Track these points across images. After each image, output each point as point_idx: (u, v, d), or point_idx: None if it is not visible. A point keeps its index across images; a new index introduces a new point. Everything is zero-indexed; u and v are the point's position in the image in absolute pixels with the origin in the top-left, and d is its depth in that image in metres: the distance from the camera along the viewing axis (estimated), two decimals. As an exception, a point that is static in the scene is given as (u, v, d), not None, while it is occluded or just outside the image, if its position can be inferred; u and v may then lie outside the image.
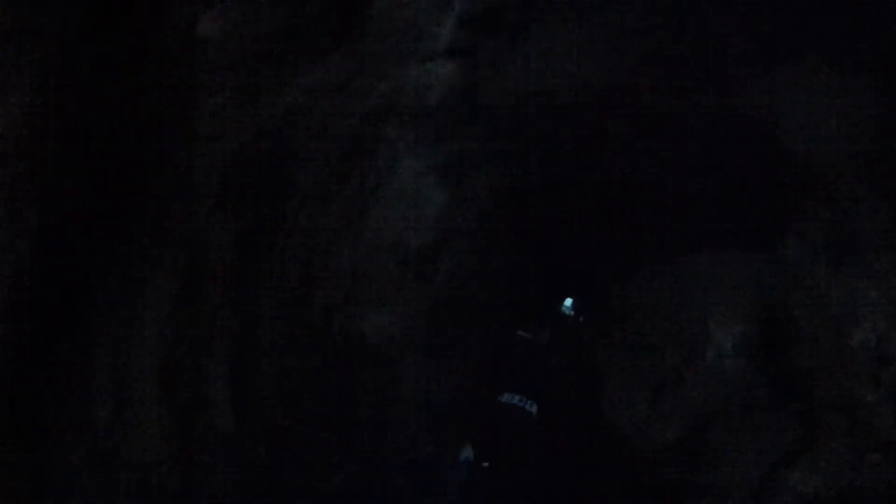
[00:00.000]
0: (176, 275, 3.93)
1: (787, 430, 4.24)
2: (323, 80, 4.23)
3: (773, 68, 4.20)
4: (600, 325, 4.69)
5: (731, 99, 4.35)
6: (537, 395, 4.22)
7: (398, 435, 4.74)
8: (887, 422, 3.75)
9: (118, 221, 3.58)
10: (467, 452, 4.22)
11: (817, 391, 4.12)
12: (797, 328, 4.18)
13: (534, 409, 4.19)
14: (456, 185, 4.78)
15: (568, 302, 4.41)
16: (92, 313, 3.52)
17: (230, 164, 4.11)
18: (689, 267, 4.64)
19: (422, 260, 4.82)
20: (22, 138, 2.91)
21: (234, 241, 4.25)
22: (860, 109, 4.06)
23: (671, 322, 4.57)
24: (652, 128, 4.60)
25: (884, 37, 3.91)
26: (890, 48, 3.90)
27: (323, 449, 4.46)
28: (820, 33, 4.06)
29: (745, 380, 4.36)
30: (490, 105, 4.66)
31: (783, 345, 4.27)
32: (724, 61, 4.23)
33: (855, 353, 3.92)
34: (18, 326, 2.94)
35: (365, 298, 4.68)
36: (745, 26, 4.10)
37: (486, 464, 4.16)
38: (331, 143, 4.44)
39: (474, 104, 4.62)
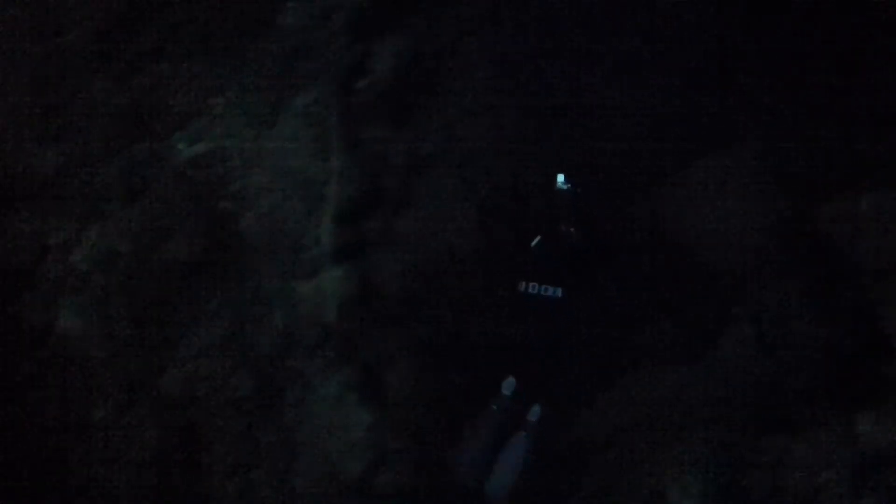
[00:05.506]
0: None
1: None
2: (208, 338, 4.36)
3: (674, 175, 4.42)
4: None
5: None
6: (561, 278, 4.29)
7: None
8: None
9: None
10: (509, 383, 4.23)
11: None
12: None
13: (558, 293, 4.25)
14: (378, 398, 4.35)
15: (561, 177, 4.39)
16: None
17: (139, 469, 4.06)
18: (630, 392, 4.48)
19: (363, 487, 4.61)
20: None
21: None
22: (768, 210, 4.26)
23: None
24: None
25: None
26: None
27: None
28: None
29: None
30: (383, 293, 4.43)
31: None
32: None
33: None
34: None
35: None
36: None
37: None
38: (237, 403, 4.27)
39: (369, 300, 4.43)
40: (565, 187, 4.41)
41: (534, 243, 4.37)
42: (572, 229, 4.35)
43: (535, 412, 4.16)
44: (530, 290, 4.25)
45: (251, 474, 4.25)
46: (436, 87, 4.81)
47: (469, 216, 4.59)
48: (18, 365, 4.19)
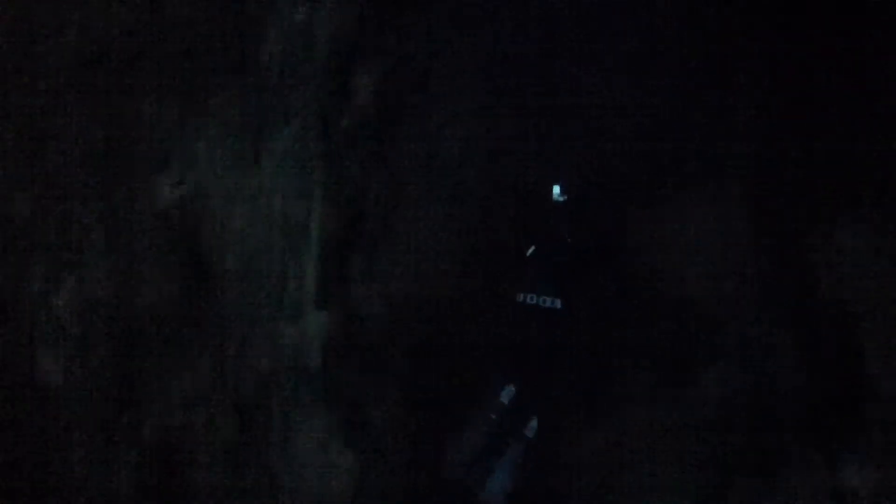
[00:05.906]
0: None
1: None
2: (191, 382, 4.09)
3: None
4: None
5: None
6: (559, 289, 4.29)
7: None
8: None
9: None
10: (509, 392, 4.28)
11: None
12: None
13: (557, 304, 4.24)
14: (363, 441, 4.28)
15: (556, 189, 4.40)
16: None
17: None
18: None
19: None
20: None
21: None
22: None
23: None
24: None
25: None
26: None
27: None
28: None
29: None
30: (368, 329, 4.37)
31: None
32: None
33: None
34: None
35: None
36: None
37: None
38: (221, 446, 4.13)
39: (355, 337, 4.35)
40: (562, 199, 4.38)
41: (529, 253, 4.35)
42: (569, 240, 4.34)
43: (531, 427, 4.19)
44: (528, 300, 4.24)
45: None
46: (422, 105, 4.70)
47: (464, 227, 4.60)
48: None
